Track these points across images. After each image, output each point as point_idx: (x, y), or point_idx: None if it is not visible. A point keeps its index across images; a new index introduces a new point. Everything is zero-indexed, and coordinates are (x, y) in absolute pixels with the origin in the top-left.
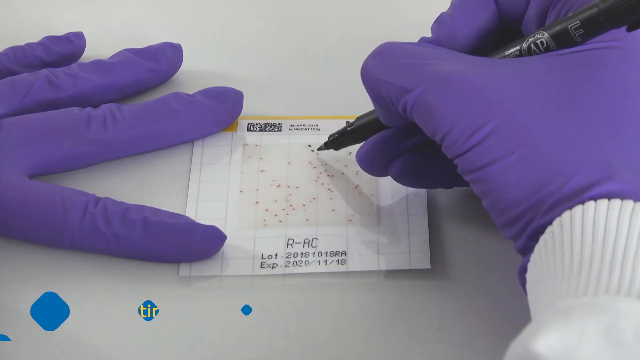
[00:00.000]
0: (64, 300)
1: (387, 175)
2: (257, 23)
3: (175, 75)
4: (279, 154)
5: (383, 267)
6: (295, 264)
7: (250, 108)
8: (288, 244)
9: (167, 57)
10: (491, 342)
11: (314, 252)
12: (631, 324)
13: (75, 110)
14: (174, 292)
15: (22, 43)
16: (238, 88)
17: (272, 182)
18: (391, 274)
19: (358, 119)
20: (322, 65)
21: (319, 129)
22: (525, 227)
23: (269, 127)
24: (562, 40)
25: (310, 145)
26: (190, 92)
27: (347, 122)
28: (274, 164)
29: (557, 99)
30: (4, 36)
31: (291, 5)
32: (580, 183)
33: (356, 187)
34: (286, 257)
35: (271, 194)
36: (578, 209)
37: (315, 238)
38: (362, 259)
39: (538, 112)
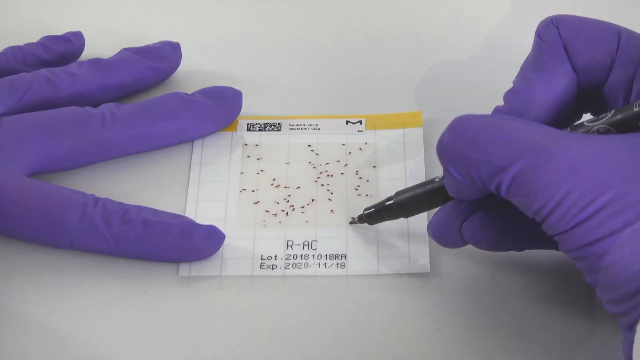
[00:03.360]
0: (64, 300)
1: (464, 244)
2: (257, 23)
3: (174, 75)
4: (279, 154)
5: (383, 270)
6: (294, 265)
7: (250, 108)
8: (288, 245)
9: (166, 55)
10: (490, 343)
11: (313, 255)
12: None
13: (74, 109)
14: (174, 292)
15: (21, 43)
16: (237, 88)
17: (272, 182)
18: (391, 277)
19: (398, 194)
20: (322, 65)
21: (319, 129)
22: (639, 305)
23: (268, 127)
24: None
25: (310, 145)
26: (190, 92)
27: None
28: (273, 164)
29: None
30: (3, 36)
31: (291, 5)
32: None
33: (356, 187)
34: (286, 259)
35: (271, 194)
36: None
37: (315, 240)
38: (362, 262)
39: None
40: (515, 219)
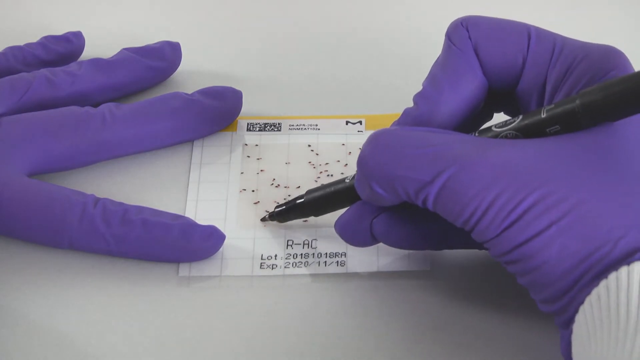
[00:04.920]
0: (64, 300)
1: (374, 243)
2: (257, 23)
3: (174, 75)
4: (279, 154)
5: (382, 268)
6: (294, 265)
7: (250, 108)
8: (288, 245)
9: (166, 55)
10: (490, 342)
11: (313, 254)
12: None
13: (74, 108)
14: (174, 292)
15: (21, 43)
16: (237, 88)
17: (272, 182)
18: (391, 275)
19: (309, 192)
20: (322, 65)
21: (319, 129)
22: (573, 300)
23: (268, 127)
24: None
25: (310, 145)
26: (190, 92)
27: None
28: (273, 164)
29: (587, 166)
30: (3, 36)
31: (291, 5)
32: (629, 246)
33: None
34: (286, 258)
35: (271, 194)
36: (624, 269)
37: (315, 239)
38: (362, 260)
39: (573, 180)
40: (425, 216)
